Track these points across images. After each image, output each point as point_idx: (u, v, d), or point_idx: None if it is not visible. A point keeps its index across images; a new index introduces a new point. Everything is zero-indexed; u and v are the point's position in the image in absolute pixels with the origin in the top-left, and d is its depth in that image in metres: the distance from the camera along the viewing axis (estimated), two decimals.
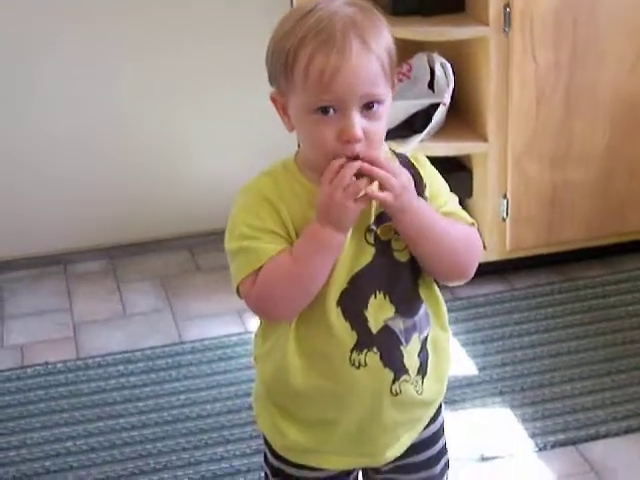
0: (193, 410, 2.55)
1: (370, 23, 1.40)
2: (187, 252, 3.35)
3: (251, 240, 1.44)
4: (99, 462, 2.40)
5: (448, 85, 2.89)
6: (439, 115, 2.88)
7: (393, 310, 1.48)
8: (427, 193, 1.49)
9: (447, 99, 2.88)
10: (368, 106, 1.38)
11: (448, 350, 1.60)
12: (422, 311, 1.53)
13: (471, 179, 3.00)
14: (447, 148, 2.91)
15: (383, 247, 1.47)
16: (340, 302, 1.46)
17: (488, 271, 2.86)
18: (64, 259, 3.32)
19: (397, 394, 1.52)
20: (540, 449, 2.35)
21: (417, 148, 2.82)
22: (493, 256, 2.98)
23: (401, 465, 1.62)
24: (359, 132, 1.37)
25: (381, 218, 1.46)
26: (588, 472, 2.28)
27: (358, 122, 1.37)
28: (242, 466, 2.36)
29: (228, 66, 3.27)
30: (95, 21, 3.15)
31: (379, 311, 1.48)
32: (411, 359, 1.52)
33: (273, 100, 1.47)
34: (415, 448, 1.61)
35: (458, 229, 1.51)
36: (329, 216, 1.39)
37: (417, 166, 1.51)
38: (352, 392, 1.50)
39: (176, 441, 2.45)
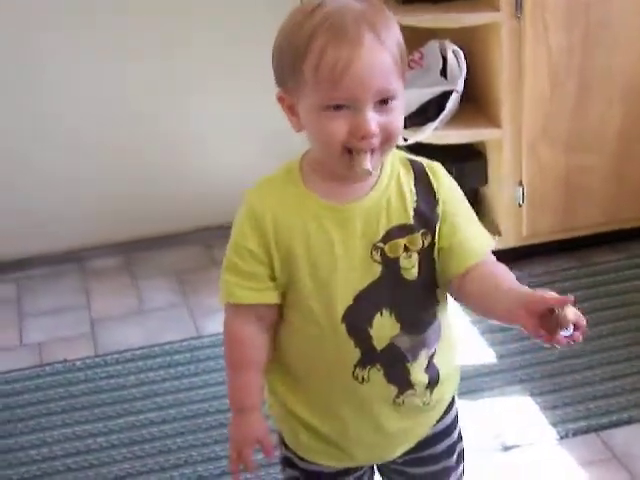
0: (212, 404, 2.55)
1: (380, 17, 1.36)
2: (202, 246, 3.35)
3: (234, 271, 1.46)
4: (119, 459, 2.40)
5: (461, 72, 2.87)
6: (452, 102, 2.86)
7: (399, 328, 1.46)
8: (439, 210, 1.45)
9: (460, 86, 2.87)
10: (382, 101, 1.34)
11: (453, 352, 1.58)
12: (433, 328, 1.50)
13: (486, 166, 2.98)
14: (461, 135, 2.89)
15: (390, 265, 1.44)
16: (344, 319, 1.44)
17: (504, 258, 2.80)
18: (80, 256, 3.32)
19: (400, 405, 1.51)
20: (562, 437, 2.34)
21: (431, 136, 2.81)
22: (509, 243, 2.97)
23: (415, 458, 1.61)
24: (374, 127, 1.33)
25: (388, 235, 1.43)
26: (610, 459, 2.27)
27: (372, 117, 1.33)
28: (263, 460, 2.33)
29: (241, 59, 3.26)
30: (99, 20, 3.14)
31: (384, 329, 1.46)
32: (418, 374, 1.50)
33: (280, 100, 1.43)
34: (429, 441, 1.60)
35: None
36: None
37: (432, 179, 1.46)
38: (356, 406, 1.50)
39: (196, 436, 2.45)
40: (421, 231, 1.44)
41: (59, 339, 2.90)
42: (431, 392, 1.53)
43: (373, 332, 1.45)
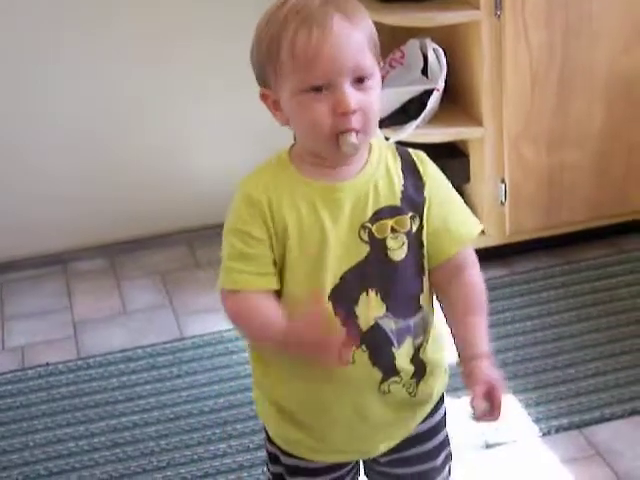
0: (195, 406, 2.54)
1: (347, 2, 1.41)
2: (186, 247, 3.34)
3: (237, 257, 1.45)
4: (102, 462, 2.39)
5: (441, 71, 2.86)
6: (433, 101, 2.86)
7: (384, 308, 1.47)
8: (425, 193, 1.47)
9: (441, 85, 2.86)
10: (358, 79, 1.38)
11: (441, 351, 1.58)
12: (419, 317, 1.51)
13: (468, 164, 2.98)
14: (443, 134, 2.89)
15: (378, 245, 1.46)
16: (331, 297, 1.45)
17: (488, 256, 2.83)
18: (63, 258, 3.31)
19: (385, 393, 1.51)
20: (544, 434, 2.34)
21: (412, 134, 2.80)
22: (493, 241, 2.96)
23: (401, 457, 1.60)
24: (353, 103, 1.37)
25: (376, 215, 1.45)
26: (593, 456, 2.27)
27: (351, 93, 1.37)
28: (245, 461, 2.35)
29: (226, 63, 3.25)
30: (96, 22, 3.14)
31: (370, 308, 1.47)
32: (404, 362, 1.50)
33: (263, 97, 1.46)
34: (415, 440, 1.60)
35: (481, 299, 1.52)
36: (300, 349, 1.38)
37: (418, 164, 1.49)
38: (340, 388, 1.49)
39: (179, 438, 2.44)
40: (409, 214, 1.46)
41: (42, 342, 2.89)
42: (417, 383, 1.53)
43: (359, 311, 1.46)
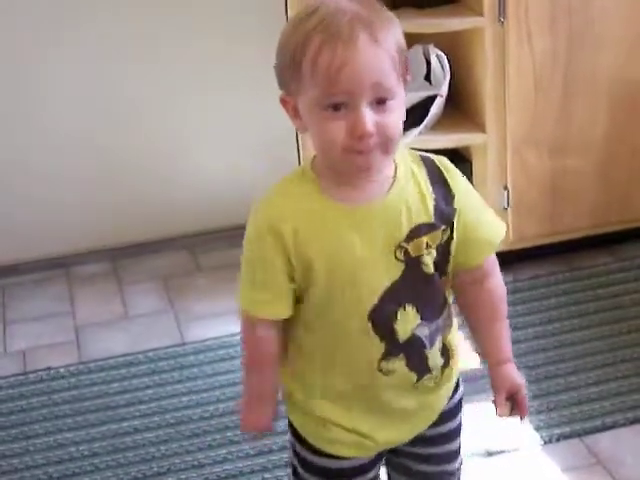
0: (196, 412, 2.54)
1: (377, 17, 1.38)
2: (188, 252, 3.33)
3: (253, 283, 1.49)
4: (102, 467, 2.39)
5: (445, 77, 2.86)
6: (436, 107, 2.86)
7: (419, 319, 1.49)
8: (455, 205, 1.47)
9: (444, 91, 2.86)
10: (379, 101, 1.36)
11: (455, 329, 1.62)
12: (446, 314, 1.55)
13: (471, 170, 2.97)
14: (445, 140, 2.88)
15: (412, 263, 1.46)
16: (370, 317, 1.47)
17: None
18: (66, 262, 3.31)
19: (418, 389, 1.55)
20: (546, 442, 2.34)
21: (415, 141, 2.80)
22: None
23: (422, 438, 1.63)
24: (370, 126, 1.35)
25: (412, 234, 1.45)
26: (594, 464, 2.27)
27: (369, 116, 1.35)
28: (245, 467, 2.35)
29: (229, 68, 3.26)
30: (97, 22, 3.14)
31: (407, 322, 1.49)
32: (435, 359, 1.54)
33: (283, 102, 1.45)
34: (436, 421, 1.63)
35: (504, 304, 1.61)
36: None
37: (446, 175, 1.48)
38: (377, 394, 1.54)
39: (179, 444, 2.44)
40: (442, 227, 1.47)
41: (43, 346, 2.89)
42: (442, 372, 1.57)
43: (397, 326, 1.48)
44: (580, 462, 2.28)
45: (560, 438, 2.34)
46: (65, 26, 3.12)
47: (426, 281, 1.49)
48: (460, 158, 2.99)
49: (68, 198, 3.29)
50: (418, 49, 2.93)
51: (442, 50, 2.88)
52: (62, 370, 2.75)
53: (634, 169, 3.01)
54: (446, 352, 1.57)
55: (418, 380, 1.53)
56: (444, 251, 1.49)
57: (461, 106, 2.97)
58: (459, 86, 2.93)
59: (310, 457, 1.62)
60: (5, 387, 2.70)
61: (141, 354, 2.79)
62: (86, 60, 3.16)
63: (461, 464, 1.73)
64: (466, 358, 2.55)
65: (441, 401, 1.62)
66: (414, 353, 1.51)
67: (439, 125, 2.90)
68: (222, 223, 3.25)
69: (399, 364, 1.50)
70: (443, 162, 1.51)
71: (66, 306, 3.09)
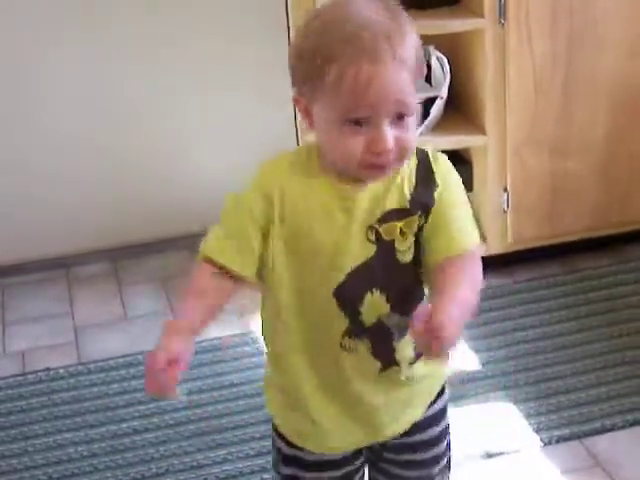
0: (195, 412, 2.54)
1: (400, 29, 1.37)
2: (188, 253, 3.33)
3: (225, 223, 1.50)
4: (101, 468, 2.39)
5: (445, 78, 2.87)
6: (437, 109, 2.86)
7: (388, 307, 1.49)
8: (436, 195, 1.47)
9: (444, 93, 2.86)
10: (399, 116, 1.37)
11: None
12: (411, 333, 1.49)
13: (471, 172, 2.98)
14: (446, 142, 2.88)
15: (385, 246, 1.46)
16: (336, 293, 1.47)
17: (490, 264, 2.80)
18: (65, 263, 3.31)
19: (384, 379, 1.54)
20: (545, 444, 2.34)
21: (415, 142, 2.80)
22: (495, 249, 2.96)
23: (405, 443, 1.62)
24: (390, 143, 1.36)
25: (384, 217, 1.46)
26: (593, 466, 2.26)
27: (389, 133, 1.36)
28: (245, 468, 2.35)
29: (228, 69, 3.26)
30: (96, 23, 3.14)
31: (374, 307, 1.48)
32: (404, 352, 1.52)
33: (296, 102, 1.45)
34: (419, 426, 1.62)
35: (475, 286, 1.43)
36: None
37: (433, 164, 1.48)
38: (343, 372, 1.52)
39: (178, 444, 2.44)
40: (417, 214, 1.46)
41: (43, 347, 2.89)
42: (414, 368, 1.55)
43: (363, 309, 1.48)
44: (579, 464, 2.27)
45: (559, 440, 2.34)
46: (65, 26, 3.12)
47: (399, 270, 1.48)
48: (460, 160, 2.99)
49: (68, 199, 3.29)
50: None
51: (442, 52, 2.88)
52: (61, 371, 2.75)
53: (634, 171, 3.01)
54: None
55: (382, 370, 1.52)
56: (418, 240, 1.49)
57: (461, 108, 2.97)
58: (459, 88, 2.93)
59: (284, 447, 1.64)
60: (4, 388, 2.69)
61: (140, 355, 2.78)
62: (86, 60, 3.16)
63: (446, 466, 1.70)
64: (461, 361, 2.58)
65: (414, 411, 1.61)
66: (379, 341, 1.50)
67: (439, 127, 2.90)
68: None
69: (363, 347, 1.50)
70: (436, 154, 1.50)
71: (65, 307, 3.09)
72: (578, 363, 2.59)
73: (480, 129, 2.88)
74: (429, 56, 2.89)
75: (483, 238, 2.93)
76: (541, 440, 2.34)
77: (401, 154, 1.39)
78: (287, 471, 1.66)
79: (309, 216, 1.45)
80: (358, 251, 1.46)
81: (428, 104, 2.85)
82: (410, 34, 1.39)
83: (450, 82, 2.87)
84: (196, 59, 3.23)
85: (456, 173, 1.52)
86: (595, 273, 2.99)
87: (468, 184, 2.98)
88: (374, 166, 1.39)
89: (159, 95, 3.25)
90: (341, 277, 1.46)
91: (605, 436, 2.35)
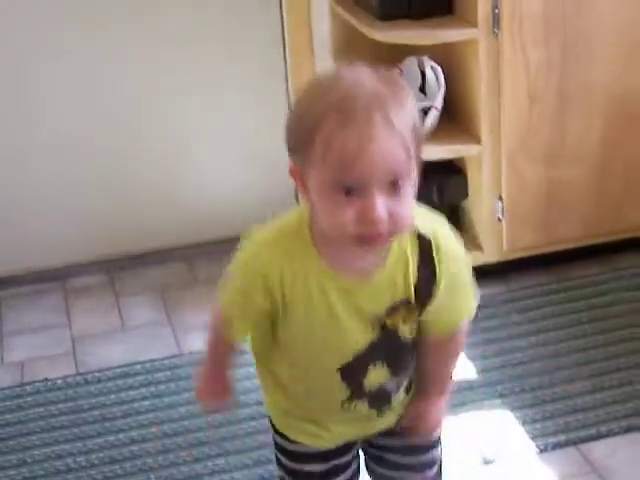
0: (193, 422, 2.55)
1: (395, 98, 1.33)
2: (185, 264, 3.34)
3: (234, 305, 1.55)
4: (99, 478, 2.39)
5: (439, 88, 2.89)
6: (431, 118, 2.88)
7: (389, 375, 1.55)
8: (436, 290, 1.49)
9: (439, 102, 2.88)
10: (392, 184, 1.33)
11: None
12: (412, 367, 1.61)
13: (466, 181, 2.99)
14: (440, 151, 2.90)
15: (389, 331, 1.51)
16: (340, 369, 1.52)
17: (485, 273, 2.84)
18: (62, 273, 3.31)
19: (379, 417, 1.63)
20: (541, 450, 2.35)
21: None
22: (490, 257, 2.97)
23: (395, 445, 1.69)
24: (382, 214, 1.32)
25: (391, 310, 1.48)
26: (590, 473, 2.28)
27: (381, 204, 1.32)
28: (243, 478, 2.36)
29: (226, 76, 3.27)
30: (97, 27, 3.15)
31: (376, 377, 1.55)
32: (398, 399, 1.62)
33: (292, 172, 1.42)
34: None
35: (457, 358, 1.65)
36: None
37: (435, 258, 1.47)
38: (340, 420, 1.62)
39: (177, 454, 2.45)
40: (419, 304, 1.50)
41: (40, 358, 2.89)
42: (406, 403, 1.65)
43: (366, 380, 1.54)
44: (575, 470, 2.29)
45: (555, 446, 2.35)
46: (65, 26, 3.13)
47: (401, 346, 1.54)
48: (455, 169, 3.01)
49: (65, 210, 3.30)
50: (413, 61, 2.95)
51: (437, 62, 2.90)
52: (59, 381, 2.76)
53: (628, 180, 3.03)
54: (410, 387, 1.64)
55: (378, 415, 1.61)
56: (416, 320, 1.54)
57: (456, 117, 2.99)
58: (453, 97, 2.95)
59: (282, 442, 1.69)
60: (2, 399, 2.70)
61: (138, 365, 2.80)
62: (86, 60, 3.17)
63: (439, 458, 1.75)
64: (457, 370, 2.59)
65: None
66: (379, 400, 1.59)
67: (434, 136, 2.91)
68: (219, 234, 3.25)
69: (362, 405, 1.57)
70: (439, 244, 1.48)
71: (63, 318, 3.10)
72: (573, 370, 2.60)
73: (475, 138, 2.90)
74: (423, 66, 2.92)
75: (478, 247, 2.95)
76: (537, 447, 2.36)
77: (395, 227, 1.35)
78: (292, 465, 1.70)
79: (311, 310, 1.46)
80: (363, 337, 1.49)
81: (423, 114, 2.87)
82: (405, 102, 1.34)
83: (444, 92, 2.88)
84: (196, 59, 3.24)
85: (460, 251, 1.51)
86: (589, 281, 3.01)
87: (463, 193, 3.00)
88: (366, 238, 1.35)
89: (157, 105, 3.26)
90: (347, 359, 1.51)
91: (601, 442, 2.36)
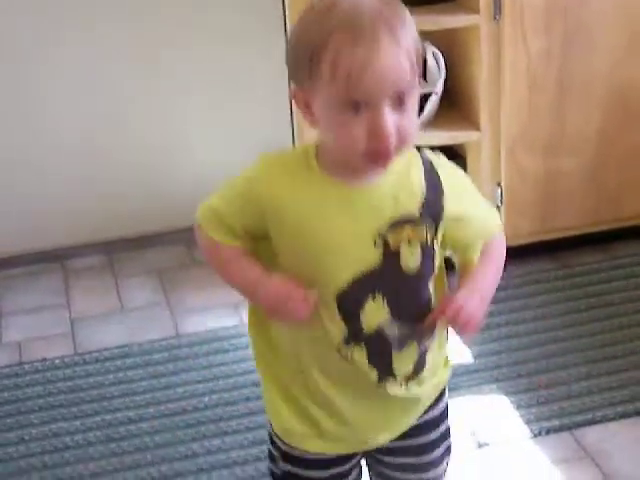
0: (190, 403, 2.56)
1: (397, 15, 1.35)
2: (184, 246, 3.35)
3: (219, 216, 1.52)
4: (97, 456, 2.41)
5: (440, 75, 2.89)
6: (432, 105, 2.88)
7: (388, 314, 1.47)
8: (444, 202, 1.47)
9: (439, 88, 2.89)
10: (398, 99, 1.34)
11: (444, 349, 1.61)
12: (427, 322, 1.51)
13: (465, 168, 3.00)
14: (440, 137, 2.90)
15: (391, 255, 1.45)
16: (337, 299, 1.46)
17: None
18: (61, 255, 3.33)
19: (380, 391, 1.53)
20: (535, 435, 2.36)
21: None
22: None
23: (402, 446, 1.62)
24: (391, 128, 1.33)
25: (394, 225, 1.44)
26: (583, 457, 2.29)
27: (389, 118, 1.34)
28: (239, 458, 2.37)
29: (227, 63, 3.28)
30: (97, 20, 3.16)
31: (374, 314, 1.47)
32: (402, 365, 1.52)
33: (295, 96, 1.42)
34: (416, 431, 1.62)
35: (499, 265, 1.59)
36: (273, 305, 1.44)
37: (439, 171, 1.48)
38: (339, 381, 1.52)
39: (173, 434, 2.46)
40: (426, 224, 1.45)
41: (39, 338, 2.91)
42: (414, 384, 1.55)
43: (363, 316, 1.47)
44: (569, 455, 2.30)
45: (550, 431, 2.37)
46: (65, 26, 3.14)
47: (403, 279, 1.46)
48: (454, 155, 3.01)
49: (64, 192, 3.31)
50: None
51: (438, 48, 2.91)
52: (57, 361, 2.77)
53: (627, 168, 3.04)
54: (421, 365, 1.54)
55: (380, 380, 1.52)
56: (430, 254, 1.48)
57: (456, 104, 3.00)
58: (454, 84, 2.96)
59: (278, 442, 1.64)
60: (1, 377, 2.72)
61: (136, 346, 2.81)
62: (86, 60, 3.18)
63: (444, 469, 1.71)
64: (455, 354, 2.61)
65: (409, 420, 1.61)
66: (377, 349, 1.49)
67: (434, 123, 2.92)
68: None
69: (359, 354, 1.49)
70: (440, 161, 1.50)
71: (62, 299, 3.11)
72: (569, 356, 2.62)
73: (474, 125, 2.91)
74: (425, 52, 2.92)
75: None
76: (531, 431, 2.37)
77: (401, 141, 1.36)
78: (286, 467, 1.65)
79: (310, 218, 1.43)
80: (363, 257, 1.44)
81: (423, 100, 2.88)
82: (408, 22, 1.37)
83: (445, 78, 2.89)
84: (195, 59, 3.25)
85: (459, 169, 1.52)
86: (587, 269, 3.02)
87: None
88: (375, 155, 1.36)
89: (154, 90, 3.27)
90: (344, 284, 1.44)
91: (595, 427, 2.37)
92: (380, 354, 1.50)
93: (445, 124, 2.94)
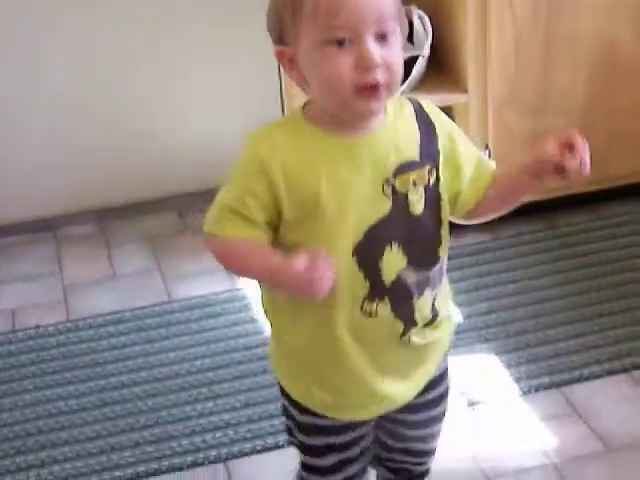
0: (182, 367, 2.59)
1: None
2: (176, 213, 3.36)
3: (233, 207, 1.46)
4: (91, 421, 2.43)
5: (426, 37, 2.89)
6: (419, 67, 2.89)
7: (405, 262, 1.49)
8: (439, 145, 1.50)
9: (426, 51, 2.89)
10: (381, 36, 1.37)
11: (448, 299, 1.65)
12: (437, 268, 1.54)
13: None
14: (428, 100, 2.91)
15: (399, 200, 1.47)
16: (355, 253, 1.47)
17: None
18: (53, 223, 3.34)
19: (405, 344, 1.55)
20: (525, 393, 2.39)
21: None
22: None
23: (418, 403, 1.65)
24: (377, 57, 1.36)
25: (399, 170, 1.46)
26: (572, 414, 2.32)
27: (374, 48, 1.36)
28: (232, 419, 2.39)
29: (217, 30, 3.27)
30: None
31: (393, 262, 1.49)
32: (422, 312, 1.55)
33: (279, 55, 1.44)
34: (431, 384, 1.66)
35: None
36: (297, 288, 1.40)
37: (430, 115, 1.51)
38: (360, 340, 1.53)
39: (166, 397, 2.49)
40: (427, 167, 1.48)
41: (32, 305, 2.92)
42: (430, 330, 1.58)
43: (383, 265, 1.48)
44: (558, 412, 2.33)
45: (539, 388, 2.40)
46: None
47: (413, 222, 1.49)
48: None
49: (55, 160, 3.32)
50: None
51: (424, 11, 2.91)
52: (50, 328, 2.79)
53: (613, 130, 3.04)
54: (435, 312, 1.57)
55: (405, 331, 1.53)
56: (434, 196, 1.50)
57: (443, 66, 3.00)
58: (441, 46, 2.96)
59: (298, 416, 1.64)
60: None
61: (128, 312, 2.83)
62: (86, 25, 3.17)
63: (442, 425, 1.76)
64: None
65: (427, 372, 1.63)
66: (400, 299, 1.51)
67: (421, 86, 2.93)
68: (209, 184, 3.24)
69: (383, 308, 1.50)
70: (429, 105, 1.53)
71: (54, 266, 3.13)
72: (557, 315, 2.64)
73: (462, 87, 2.92)
74: (411, 15, 2.92)
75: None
76: (521, 389, 2.40)
77: (389, 75, 1.38)
78: (313, 441, 1.66)
79: (319, 174, 1.43)
80: (374, 205, 1.46)
81: (410, 63, 2.88)
82: None
83: (432, 41, 2.90)
84: (192, 29, 3.24)
85: (445, 116, 1.55)
86: (575, 229, 3.04)
87: None
88: (365, 87, 1.37)
89: (150, 60, 3.26)
90: (360, 236, 1.46)
91: (583, 385, 2.40)
92: (403, 304, 1.52)
93: (432, 87, 2.94)
